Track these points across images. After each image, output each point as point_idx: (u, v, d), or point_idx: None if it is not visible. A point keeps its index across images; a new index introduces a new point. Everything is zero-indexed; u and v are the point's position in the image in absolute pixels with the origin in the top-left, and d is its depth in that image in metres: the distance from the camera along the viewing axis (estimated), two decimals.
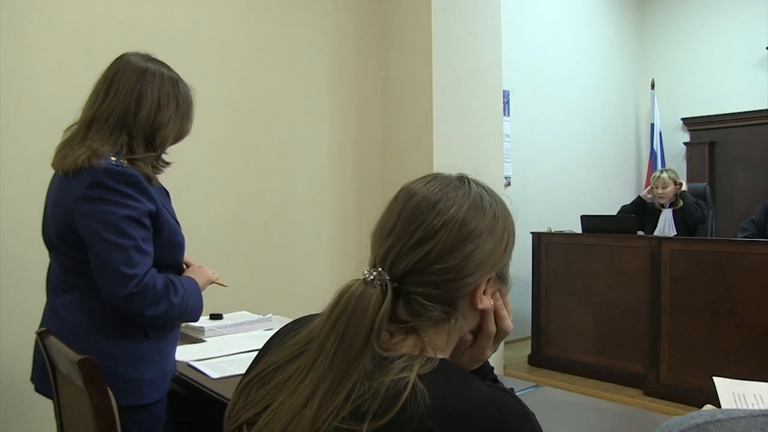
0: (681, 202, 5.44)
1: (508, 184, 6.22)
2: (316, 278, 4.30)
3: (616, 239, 5.13)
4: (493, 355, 1.14)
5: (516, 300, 5.97)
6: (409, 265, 0.99)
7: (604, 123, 7.71)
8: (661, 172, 5.60)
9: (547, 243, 5.56)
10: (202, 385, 2.01)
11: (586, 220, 5.47)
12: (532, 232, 5.63)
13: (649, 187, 5.69)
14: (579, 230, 5.54)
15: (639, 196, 5.73)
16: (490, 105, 4.90)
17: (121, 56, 1.92)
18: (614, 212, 5.79)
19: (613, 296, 5.10)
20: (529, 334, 5.68)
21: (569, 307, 5.37)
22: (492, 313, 1.09)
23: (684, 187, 5.47)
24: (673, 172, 5.58)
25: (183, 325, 2.33)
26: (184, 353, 2.31)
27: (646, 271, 4.86)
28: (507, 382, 1.20)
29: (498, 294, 1.10)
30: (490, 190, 1.10)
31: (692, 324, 4.58)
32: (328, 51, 4.48)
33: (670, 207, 5.48)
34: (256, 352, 1.15)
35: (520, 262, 5.76)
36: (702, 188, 5.74)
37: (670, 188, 5.45)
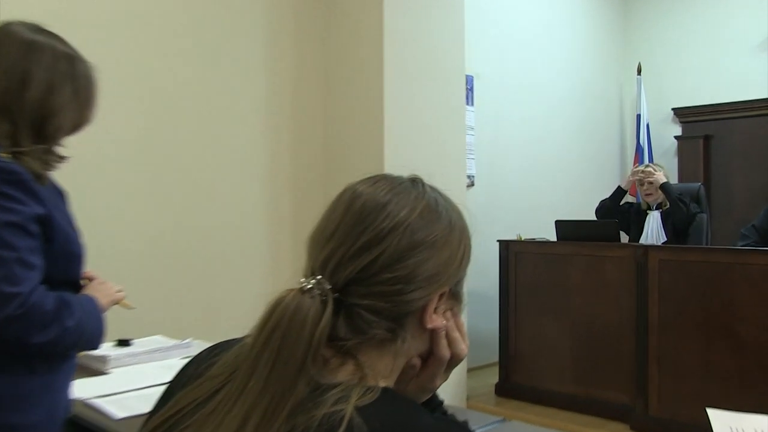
0: (667, 204, 5.48)
1: (472, 184, 6.25)
2: (246, 295, 4.26)
3: (596, 248, 5.19)
4: (455, 384, 1.14)
5: (481, 319, 6.01)
6: (353, 273, 1.00)
7: (582, 113, 7.82)
8: (646, 166, 5.67)
9: (517, 252, 5.59)
10: (104, 428, 1.97)
11: (561, 225, 5.52)
12: (499, 240, 5.65)
13: (630, 177, 5.75)
14: (553, 237, 5.59)
15: (619, 186, 5.79)
16: (451, 92, 4.92)
17: (1, 26, 1.83)
18: (593, 215, 5.84)
19: (593, 314, 5.15)
20: (496, 359, 5.71)
21: (542, 328, 5.41)
22: (444, 335, 1.10)
23: (665, 178, 5.47)
24: (660, 167, 5.64)
25: (81, 354, 2.27)
26: (81, 389, 2.25)
27: (630, 284, 4.92)
28: (470, 417, 1.19)
29: (450, 313, 1.12)
30: (446, 196, 1.13)
31: (685, 346, 4.63)
32: (261, 29, 4.44)
33: (657, 209, 5.54)
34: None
35: (485, 275, 5.80)
36: (695, 189, 5.79)
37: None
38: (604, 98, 8.18)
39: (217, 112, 4.26)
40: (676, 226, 5.41)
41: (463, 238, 1.11)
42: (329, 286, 1.00)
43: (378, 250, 1.00)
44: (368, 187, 1.07)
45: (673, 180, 7.32)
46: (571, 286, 5.27)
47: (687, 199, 5.41)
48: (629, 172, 6.17)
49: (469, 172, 6.05)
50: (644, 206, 5.63)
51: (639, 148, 8.03)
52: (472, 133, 6.28)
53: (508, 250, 5.61)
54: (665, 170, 5.63)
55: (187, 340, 2.86)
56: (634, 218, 5.65)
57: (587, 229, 5.40)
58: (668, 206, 5.45)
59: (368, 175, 1.12)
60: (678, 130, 8.14)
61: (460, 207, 1.14)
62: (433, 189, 1.11)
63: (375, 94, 4.49)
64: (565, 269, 5.31)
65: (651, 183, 5.47)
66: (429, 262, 1.03)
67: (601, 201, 5.81)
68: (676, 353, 4.67)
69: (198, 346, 2.80)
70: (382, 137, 4.43)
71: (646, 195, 5.55)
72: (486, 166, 6.55)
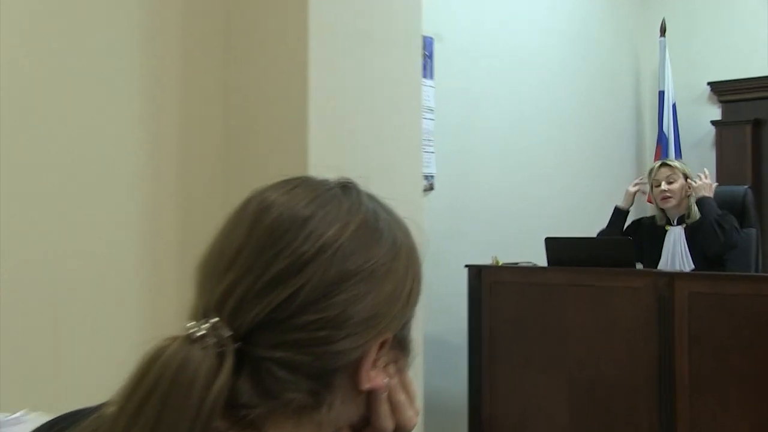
0: (695, 215, 5.50)
1: (430, 187, 6.24)
2: (110, 345, 4.21)
3: (602, 276, 5.22)
4: None
5: (442, 376, 5.98)
6: (262, 314, 1.00)
7: (583, 90, 7.89)
8: (664, 161, 5.69)
9: (493, 283, 5.60)
10: None
11: (554, 245, 5.54)
12: (467, 266, 5.67)
13: (635, 188, 5.76)
14: (543, 261, 5.63)
15: (616, 207, 5.79)
16: (402, 60, 4.93)
17: None
18: (594, 234, 5.88)
19: (598, 367, 5.18)
20: (465, 430, 5.72)
21: (529, 386, 5.43)
22: (385, 398, 1.11)
23: (708, 191, 5.51)
24: (683, 163, 5.69)
25: None
26: None
27: (650, 326, 4.94)
28: None
29: (394, 368, 1.13)
30: (389, 207, 1.15)
31: (726, 410, 4.66)
32: None
33: (679, 223, 5.58)
34: None
35: (448, 314, 5.81)
36: (740, 194, 5.82)
37: (679, 183, 5.55)
38: (613, 69, 8.26)
39: (70, 97, 4.22)
40: (708, 254, 5.43)
41: (411, 265, 1.12)
42: (229, 333, 0.99)
43: (296, 283, 1.01)
44: (282, 196, 1.08)
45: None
46: (568, 328, 5.29)
47: (729, 223, 5.36)
48: (646, 171, 6.06)
49: (426, 171, 6.02)
50: (660, 219, 5.68)
51: (662, 138, 8.07)
52: (432, 116, 6.30)
53: (481, 279, 5.62)
54: (687, 167, 5.65)
55: (18, 414, 2.82)
56: (648, 237, 5.69)
57: (590, 250, 5.43)
58: (694, 219, 5.48)
59: (283, 178, 1.13)
60: (716, 113, 8.24)
61: (410, 223, 1.16)
62: (371, 198, 1.13)
63: (296, 63, 4.46)
64: (560, 305, 5.33)
65: (669, 185, 5.50)
66: (366, 300, 1.04)
67: (599, 232, 5.85)
68: (713, 420, 4.71)
69: (36, 421, 2.77)
70: (305, 124, 4.40)
71: (663, 199, 5.59)
72: (450, 162, 6.56)
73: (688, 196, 5.52)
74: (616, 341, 5.12)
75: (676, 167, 5.59)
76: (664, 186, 5.52)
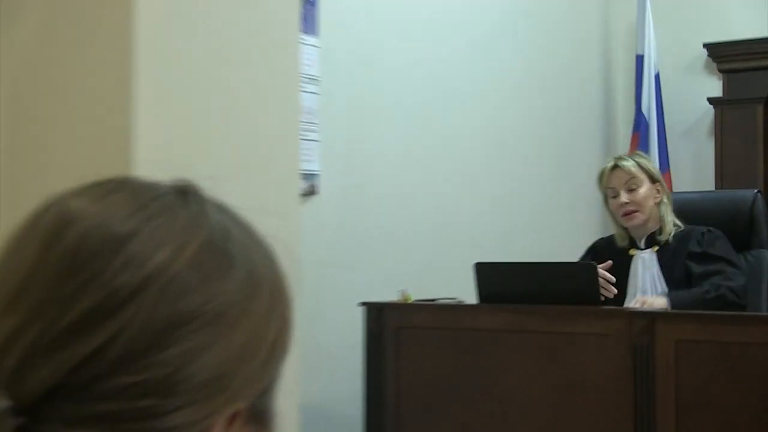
0: (670, 232, 5.46)
1: (312, 191, 6.21)
2: None
3: (554, 317, 5.25)
4: None
5: None
6: (57, 376, 0.98)
7: (532, 54, 7.96)
8: (618, 160, 5.63)
9: (400, 328, 5.61)
10: None
11: (487, 274, 5.54)
12: (364, 304, 5.67)
13: None
14: (472, 298, 5.62)
15: None
16: (272, 10, 4.93)
17: None
18: (552, 255, 5.90)
19: None
20: None
21: None
22: None
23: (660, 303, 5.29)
24: (646, 158, 5.71)
25: None
26: None
27: (623, 388, 4.97)
28: None
29: None
30: (245, 222, 1.14)
31: None
32: None
33: (648, 245, 5.59)
34: None
35: (336, 373, 5.80)
36: (748, 199, 5.87)
37: (645, 189, 5.51)
38: (574, 24, 8.34)
39: None
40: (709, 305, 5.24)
41: (277, 305, 1.11)
42: (6, 404, 0.97)
43: (108, 331, 0.98)
44: (92, 205, 1.05)
45: (708, 183, 7.50)
46: (508, 392, 5.29)
47: (734, 270, 5.27)
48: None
49: (306, 168, 5.99)
50: (621, 240, 5.69)
51: (641, 122, 8.11)
52: (315, 89, 6.31)
53: (383, 322, 5.61)
54: (650, 162, 5.70)
55: None
56: (613, 266, 5.62)
57: (537, 280, 5.44)
58: (667, 239, 5.47)
59: (94, 180, 1.10)
60: (716, 88, 8.35)
61: (278, 244, 1.15)
62: (221, 209, 1.11)
63: (116, 12, 4.44)
64: (497, 360, 5.34)
65: (631, 194, 5.46)
66: (208, 354, 1.02)
67: None
68: None
69: None
70: (129, 100, 4.35)
71: (626, 215, 5.56)
72: (341, 155, 6.58)
73: (659, 203, 5.48)
74: (576, 409, 5.13)
75: (635, 166, 5.53)
76: (624, 197, 5.47)
